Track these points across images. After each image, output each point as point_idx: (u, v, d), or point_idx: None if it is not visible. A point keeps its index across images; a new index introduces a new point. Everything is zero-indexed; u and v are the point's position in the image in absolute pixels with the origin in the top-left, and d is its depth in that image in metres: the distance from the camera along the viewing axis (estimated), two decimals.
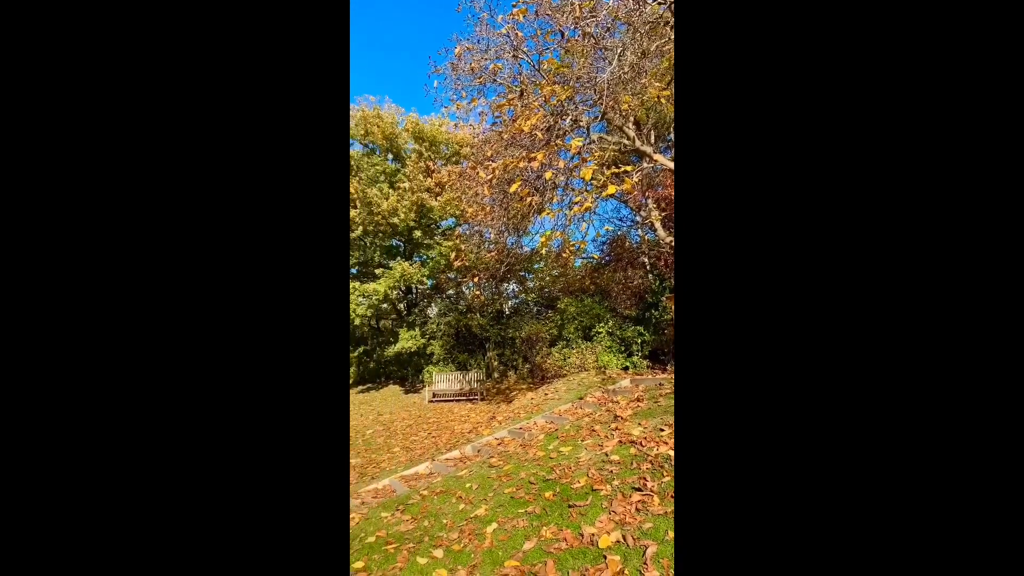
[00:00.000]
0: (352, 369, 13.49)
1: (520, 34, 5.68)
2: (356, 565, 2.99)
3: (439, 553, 2.96)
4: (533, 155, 5.52)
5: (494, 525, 3.16)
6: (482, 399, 9.71)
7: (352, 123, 12.97)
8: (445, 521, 3.45)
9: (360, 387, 12.98)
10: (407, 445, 6.76)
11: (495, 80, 6.11)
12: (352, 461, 6.16)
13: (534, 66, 5.85)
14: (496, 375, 11.19)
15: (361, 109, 12.97)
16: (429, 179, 12.06)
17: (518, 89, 5.91)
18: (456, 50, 5.81)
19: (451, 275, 12.65)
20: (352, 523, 3.71)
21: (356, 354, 13.44)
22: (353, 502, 4.37)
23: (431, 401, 10.23)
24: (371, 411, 10.03)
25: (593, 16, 5.21)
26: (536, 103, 5.72)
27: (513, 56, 5.78)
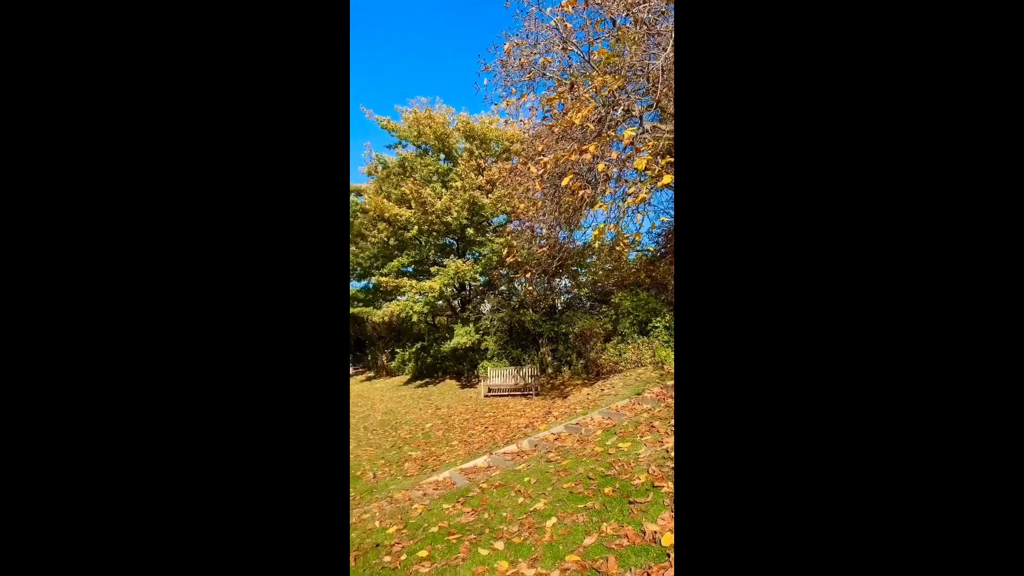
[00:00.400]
0: (410, 365, 13.91)
1: (569, 25, 5.61)
2: (420, 554, 3.09)
3: (500, 545, 3.00)
4: (585, 147, 5.45)
5: (553, 519, 3.16)
6: (537, 394, 9.74)
7: (405, 125, 13.32)
8: (505, 514, 3.50)
9: (418, 382, 13.36)
10: (465, 439, 6.90)
11: (544, 74, 6.08)
12: (413, 454, 6.37)
13: (584, 57, 5.77)
14: (550, 371, 11.18)
15: (414, 111, 13.28)
16: (480, 177, 12.18)
17: (568, 82, 5.85)
18: (505, 46, 5.83)
19: (503, 271, 12.74)
20: (415, 514, 3.84)
21: (414, 350, 13.84)
22: (415, 493, 4.51)
23: (486, 396, 10.37)
24: (429, 405, 10.30)
25: (645, 1, 5.07)
26: (587, 95, 5.64)
27: (562, 49, 5.73)
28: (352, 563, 3.10)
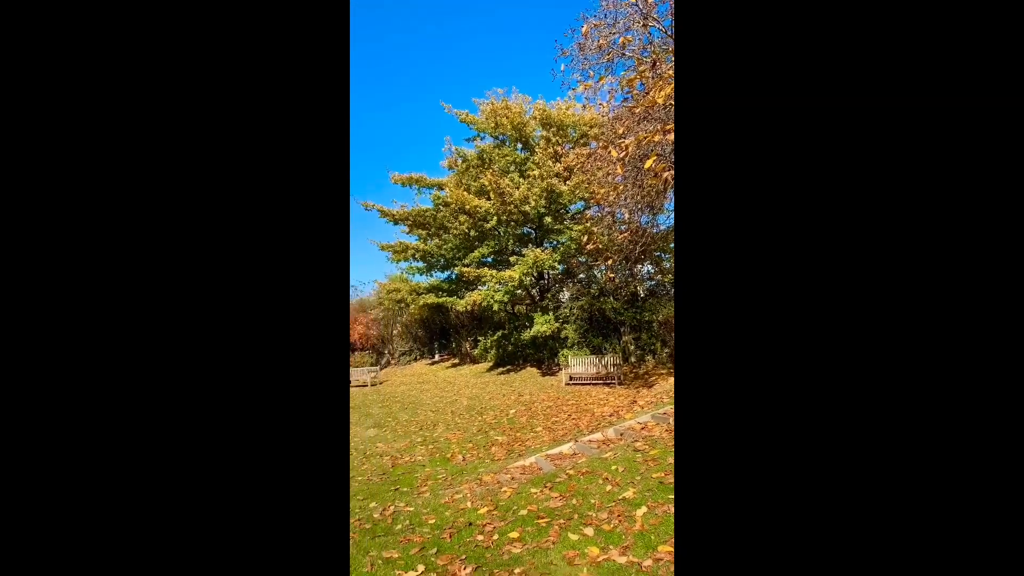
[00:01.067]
0: (492, 352, 14.24)
1: (650, 0, 5.38)
2: (511, 535, 3.18)
3: (589, 531, 3.02)
4: (669, 127, 5.22)
5: (644, 508, 3.12)
6: (620, 383, 9.59)
7: (482, 117, 13.52)
8: (593, 501, 3.50)
9: (500, 369, 13.66)
10: (549, 426, 6.97)
11: (624, 54, 5.89)
12: (499, 438, 6.54)
13: (666, 32, 5.50)
14: (633, 359, 10.94)
15: (490, 103, 13.43)
16: (558, 164, 12.10)
17: (649, 60, 5.62)
18: (583, 29, 5.71)
19: (582, 259, 12.61)
20: (504, 496, 3.96)
21: (495, 338, 14.15)
22: (503, 477, 4.64)
23: (568, 384, 10.38)
24: (512, 392, 10.50)
25: None
26: (670, 72, 5.38)
27: (643, 25, 5.51)
28: (447, 539, 3.27)
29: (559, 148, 12.43)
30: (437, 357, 18.18)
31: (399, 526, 3.65)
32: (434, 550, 3.12)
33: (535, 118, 12.95)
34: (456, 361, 16.57)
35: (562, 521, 3.26)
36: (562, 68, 6.51)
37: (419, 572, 2.83)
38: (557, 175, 12.01)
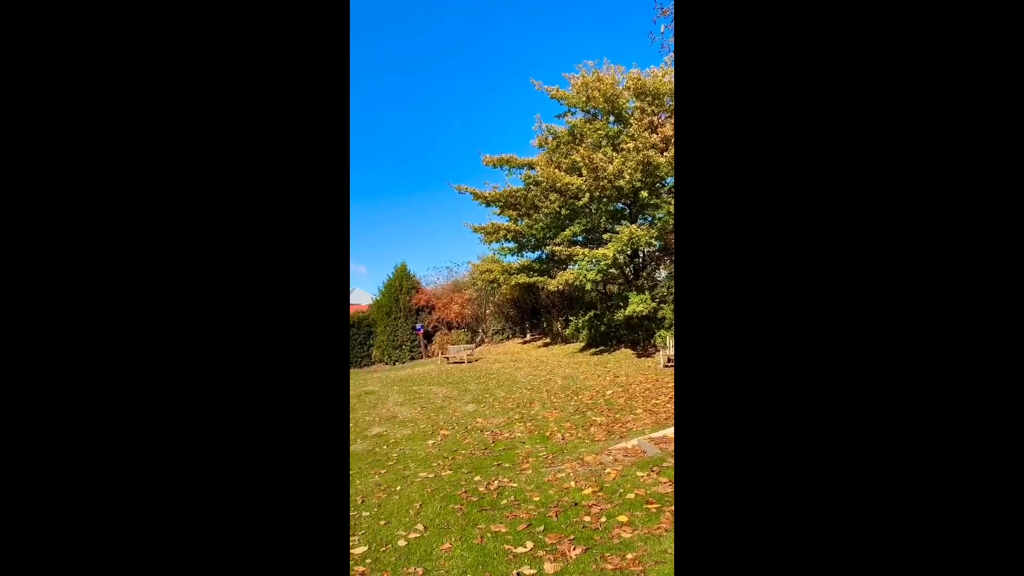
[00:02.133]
0: (584, 332, 14.10)
1: None
2: (620, 518, 3.10)
3: None
4: None
5: None
6: None
7: (573, 91, 13.15)
8: None
9: (592, 349, 13.49)
10: (649, 408, 6.74)
11: None
12: (597, 419, 6.45)
13: None
14: None
15: (581, 76, 13.01)
16: (654, 135, 11.47)
17: None
18: None
19: None
20: (609, 478, 3.88)
21: (587, 318, 13.97)
22: (605, 458, 4.56)
23: (666, 366, 9.98)
24: (607, 373, 10.33)
25: None
26: None
27: None
28: (554, 518, 3.26)
29: (655, 118, 11.77)
30: (528, 336, 18.38)
31: (504, 501, 3.72)
32: (541, 527, 3.13)
33: (628, 88, 12.35)
34: (547, 340, 16.63)
35: (672, 507, 3.11)
36: (662, 29, 6.07)
37: (528, 548, 2.85)
38: (653, 146, 11.40)
